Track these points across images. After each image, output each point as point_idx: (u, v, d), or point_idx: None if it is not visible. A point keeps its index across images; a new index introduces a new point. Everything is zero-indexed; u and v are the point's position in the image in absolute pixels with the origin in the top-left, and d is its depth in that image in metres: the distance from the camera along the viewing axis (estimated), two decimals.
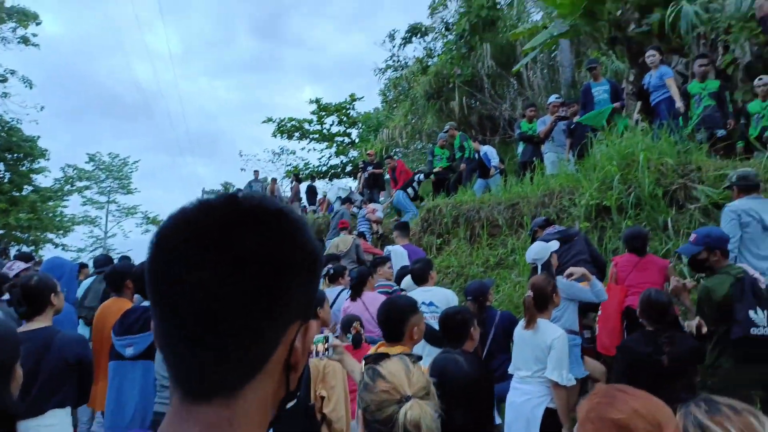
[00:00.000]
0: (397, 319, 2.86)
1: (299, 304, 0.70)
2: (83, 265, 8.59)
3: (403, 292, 5.04)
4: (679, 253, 4.49)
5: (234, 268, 0.64)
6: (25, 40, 22.12)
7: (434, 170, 11.45)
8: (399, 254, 6.74)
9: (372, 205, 11.85)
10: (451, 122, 12.64)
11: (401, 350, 2.75)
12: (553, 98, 9.33)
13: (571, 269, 4.41)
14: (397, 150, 19.80)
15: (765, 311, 3.55)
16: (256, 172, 19.54)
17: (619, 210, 6.34)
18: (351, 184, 16.85)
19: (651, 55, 7.73)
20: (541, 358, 3.72)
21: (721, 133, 6.76)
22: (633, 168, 6.36)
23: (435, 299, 4.70)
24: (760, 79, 7.03)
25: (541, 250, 4.61)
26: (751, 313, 3.53)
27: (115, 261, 8.17)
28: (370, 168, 13.59)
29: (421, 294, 4.74)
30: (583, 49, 12.93)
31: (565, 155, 8.53)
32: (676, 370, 3.18)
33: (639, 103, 8.31)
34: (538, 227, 5.63)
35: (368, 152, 15.27)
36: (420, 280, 4.96)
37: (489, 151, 10.33)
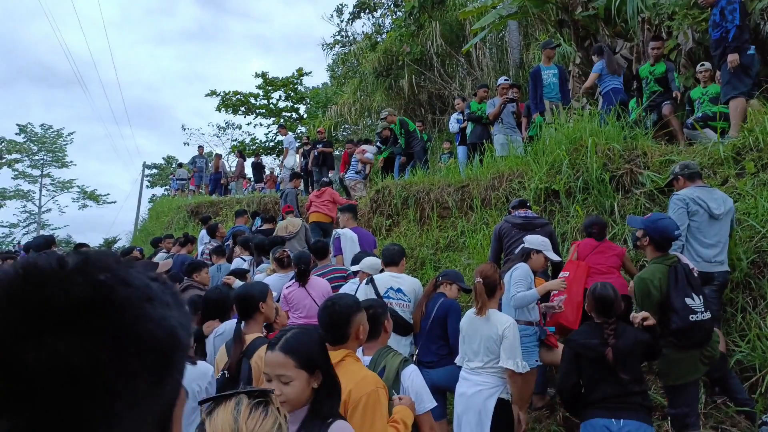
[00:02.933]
0: (340, 320, 2.66)
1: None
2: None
3: (364, 276, 4.86)
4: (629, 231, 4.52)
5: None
6: None
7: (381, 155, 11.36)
8: (349, 238, 6.60)
9: (363, 146, 12.01)
10: (388, 108, 12.52)
11: (344, 353, 2.63)
12: (501, 80, 9.32)
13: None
14: (346, 126, 19.54)
15: (700, 296, 3.64)
16: (200, 147, 18.88)
17: (568, 194, 6.40)
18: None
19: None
20: (493, 349, 3.70)
21: (666, 104, 6.94)
22: (581, 153, 6.42)
23: (404, 287, 4.59)
24: (702, 65, 7.21)
25: (543, 242, 4.62)
26: (688, 300, 3.60)
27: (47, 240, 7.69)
28: (319, 146, 13.31)
29: (389, 279, 4.61)
30: (531, 30, 12.98)
31: (514, 137, 8.55)
32: (620, 363, 3.21)
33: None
34: (512, 207, 5.58)
35: (318, 129, 14.97)
36: (392, 263, 4.81)
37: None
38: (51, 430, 0.49)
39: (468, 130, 9.52)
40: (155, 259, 7.84)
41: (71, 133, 39.75)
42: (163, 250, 9.75)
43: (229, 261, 7.79)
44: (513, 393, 3.61)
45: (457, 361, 3.99)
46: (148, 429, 0.54)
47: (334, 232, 7.05)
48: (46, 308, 0.50)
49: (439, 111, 14.74)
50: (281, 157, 14.82)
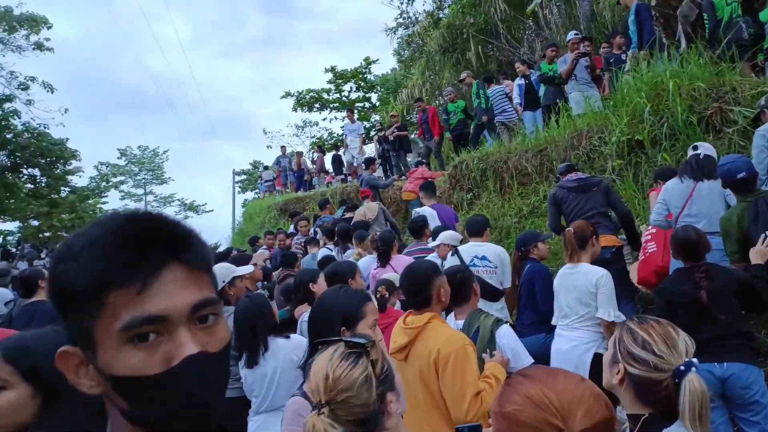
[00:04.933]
0: (420, 283, 2.75)
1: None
2: None
3: (446, 249, 4.93)
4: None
5: None
6: (39, 46, 22.36)
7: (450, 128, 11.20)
8: (429, 214, 6.67)
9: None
10: (466, 70, 12.31)
11: (430, 316, 2.71)
12: (571, 35, 8.94)
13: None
14: (417, 110, 19.49)
15: None
16: (282, 147, 19.64)
17: (653, 143, 6.11)
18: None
19: None
20: (586, 302, 3.65)
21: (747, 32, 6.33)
22: (663, 97, 6.09)
23: (488, 254, 4.62)
24: None
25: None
26: None
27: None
28: (395, 130, 13.37)
29: (473, 248, 4.67)
30: None
31: (590, 93, 8.21)
32: (716, 304, 3.07)
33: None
34: (560, 174, 5.37)
35: (392, 114, 15.06)
36: (476, 233, 4.86)
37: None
38: None
39: (541, 93, 9.25)
40: (256, 255, 8.31)
41: (166, 151, 42.40)
42: (264, 247, 10.34)
43: None
44: (609, 345, 3.56)
45: (553, 320, 3.98)
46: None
47: (413, 212, 7.13)
48: None
49: (511, 78, 14.39)
50: (346, 148, 15.16)
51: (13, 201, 22.15)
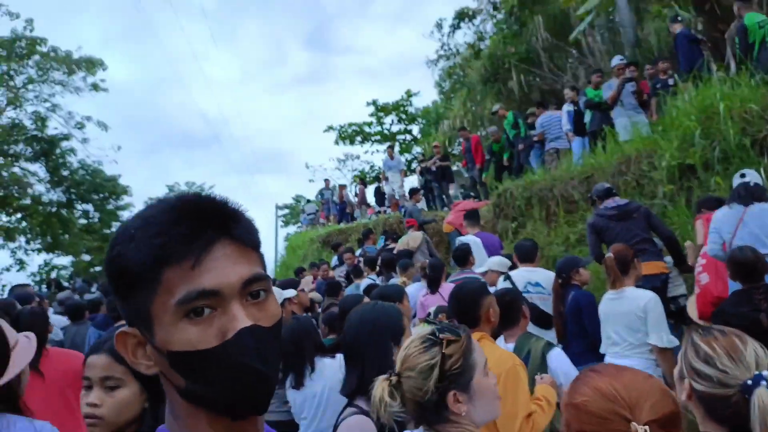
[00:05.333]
0: (469, 303, 2.72)
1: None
2: None
3: (494, 276, 4.85)
4: None
5: None
6: (95, 87, 23.57)
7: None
8: (473, 242, 6.60)
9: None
10: (499, 103, 12.34)
11: (479, 336, 2.65)
12: (617, 60, 8.86)
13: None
14: (461, 141, 19.56)
15: None
16: (326, 181, 19.95)
17: (705, 167, 5.93)
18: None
19: None
20: (636, 327, 3.53)
21: None
22: (714, 120, 5.93)
23: (541, 280, 4.53)
24: None
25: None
26: None
27: None
28: (437, 161, 13.41)
29: (526, 274, 4.58)
30: (643, 5, 12.27)
31: (637, 118, 8.07)
32: None
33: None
34: (597, 197, 5.17)
35: (434, 145, 15.14)
36: (526, 259, 4.76)
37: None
38: None
39: (586, 119, 9.15)
40: (303, 281, 8.40)
41: (211, 186, 43.64)
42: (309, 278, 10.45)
43: None
44: (665, 371, 3.41)
45: (601, 348, 3.85)
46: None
47: (457, 240, 7.09)
48: None
49: (556, 107, 14.32)
50: (387, 181, 15.30)
51: (67, 236, 23.10)
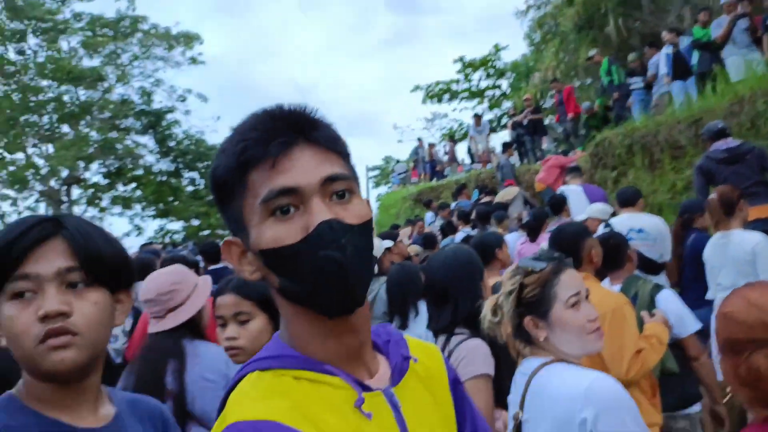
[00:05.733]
0: (569, 245, 2.66)
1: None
2: None
3: (595, 223, 4.75)
4: None
5: None
6: (193, 60, 24.71)
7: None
8: (575, 192, 6.43)
9: None
10: (593, 49, 11.69)
11: (582, 276, 2.66)
12: None
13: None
14: (553, 93, 18.78)
15: None
16: (420, 140, 20.04)
17: None
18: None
19: None
20: (745, 272, 3.36)
21: None
22: None
23: (645, 225, 4.39)
24: None
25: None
26: None
27: None
28: (529, 114, 13.03)
29: (628, 220, 4.44)
30: None
31: (750, 56, 7.43)
32: None
33: None
34: (709, 138, 4.85)
35: (525, 98, 14.70)
36: (627, 203, 4.58)
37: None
38: None
39: (693, 60, 8.53)
40: (402, 232, 8.69)
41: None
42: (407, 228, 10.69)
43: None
44: None
45: (709, 294, 3.71)
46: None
47: (558, 190, 6.97)
48: None
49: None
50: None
51: (177, 203, 24.77)
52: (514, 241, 5.54)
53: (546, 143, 13.56)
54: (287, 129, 0.80)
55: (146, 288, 2.16)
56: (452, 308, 2.21)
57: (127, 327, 3.68)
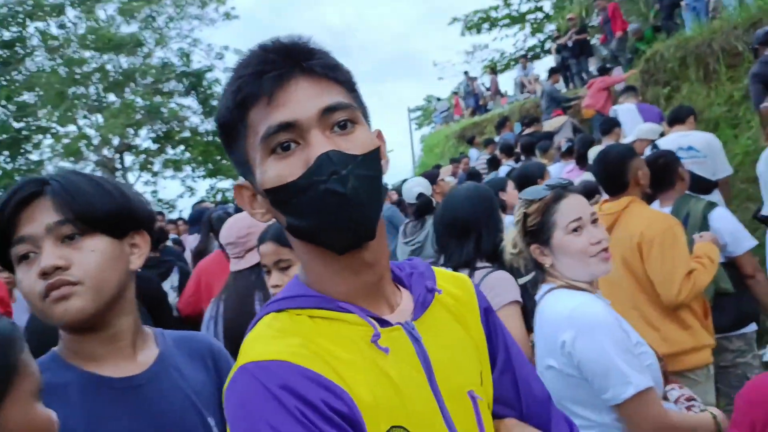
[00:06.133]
0: (615, 167, 2.61)
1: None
2: None
3: (643, 144, 4.52)
4: None
5: None
6: (227, 15, 24.54)
7: None
8: (629, 111, 6.07)
9: None
10: None
11: (628, 200, 2.55)
12: None
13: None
14: (598, 11, 17.70)
15: None
16: (466, 73, 19.58)
17: None
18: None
19: None
20: None
21: None
22: None
23: (694, 143, 4.16)
24: None
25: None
26: None
27: None
28: (573, 35, 12.34)
29: (676, 139, 4.21)
30: None
31: None
32: None
33: None
34: (759, 44, 4.50)
35: (568, 17, 13.91)
36: (677, 121, 4.37)
37: None
38: None
39: None
40: (442, 171, 8.63)
41: None
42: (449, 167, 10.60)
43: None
44: None
45: (764, 210, 3.50)
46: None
47: (611, 110, 6.59)
48: None
49: None
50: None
51: (225, 161, 25.21)
52: (559, 169, 5.35)
53: (593, 66, 12.90)
54: (281, 61, 0.77)
55: (226, 233, 2.41)
56: (475, 242, 2.26)
57: (175, 283, 3.78)
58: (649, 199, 3.02)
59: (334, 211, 0.74)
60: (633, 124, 5.88)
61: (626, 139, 4.93)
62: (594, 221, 1.69)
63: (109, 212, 1.09)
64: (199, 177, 25.22)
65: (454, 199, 2.43)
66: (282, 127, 0.75)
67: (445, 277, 0.97)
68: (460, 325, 0.91)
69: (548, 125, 8.42)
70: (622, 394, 1.48)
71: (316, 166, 0.73)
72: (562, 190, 1.71)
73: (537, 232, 1.72)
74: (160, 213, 9.49)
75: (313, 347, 0.75)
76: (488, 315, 0.97)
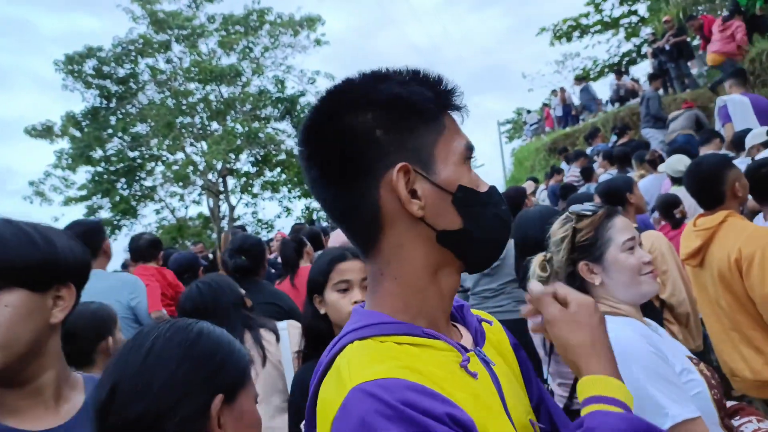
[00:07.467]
0: (709, 179, 2.47)
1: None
2: None
3: (755, 151, 4.18)
4: None
5: None
6: (318, 42, 25.53)
7: None
8: (738, 102, 5.54)
9: None
10: None
11: (725, 214, 2.39)
12: None
13: None
14: (700, 9, 16.70)
15: None
16: (554, 91, 19.11)
17: None
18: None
19: None
20: None
21: None
22: None
23: None
24: None
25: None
26: None
27: None
28: (670, 38, 11.69)
29: None
30: None
31: None
32: None
33: None
34: None
35: (664, 20, 13.21)
36: None
37: None
38: None
39: None
40: (527, 184, 8.42)
41: None
42: (543, 188, 10.36)
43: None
44: None
45: None
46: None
47: (718, 100, 6.03)
48: None
49: None
50: None
51: None
52: (655, 182, 5.08)
53: (696, 69, 12.15)
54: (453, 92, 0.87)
55: (334, 242, 2.64)
56: None
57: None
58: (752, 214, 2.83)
59: (503, 234, 0.85)
60: (744, 118, 5.39)
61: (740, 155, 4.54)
62: (640, 244, 1.66)
63: (29, 265, 1.06)
64: (294, 197, 26.20)
65: (527, 219, 2.45)
66: (472, 147, 0.86)
67: (477, 314, 0.99)
68: (502, 357, 0.94)
69: (672, 116, 7.84)
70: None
71: (492, 191, 0.86)
72: (612, 209, 1.69)
73: (589, 247, 1.64)
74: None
75: (415, 368, 0.74)
76: (518, 352, 1.01)
